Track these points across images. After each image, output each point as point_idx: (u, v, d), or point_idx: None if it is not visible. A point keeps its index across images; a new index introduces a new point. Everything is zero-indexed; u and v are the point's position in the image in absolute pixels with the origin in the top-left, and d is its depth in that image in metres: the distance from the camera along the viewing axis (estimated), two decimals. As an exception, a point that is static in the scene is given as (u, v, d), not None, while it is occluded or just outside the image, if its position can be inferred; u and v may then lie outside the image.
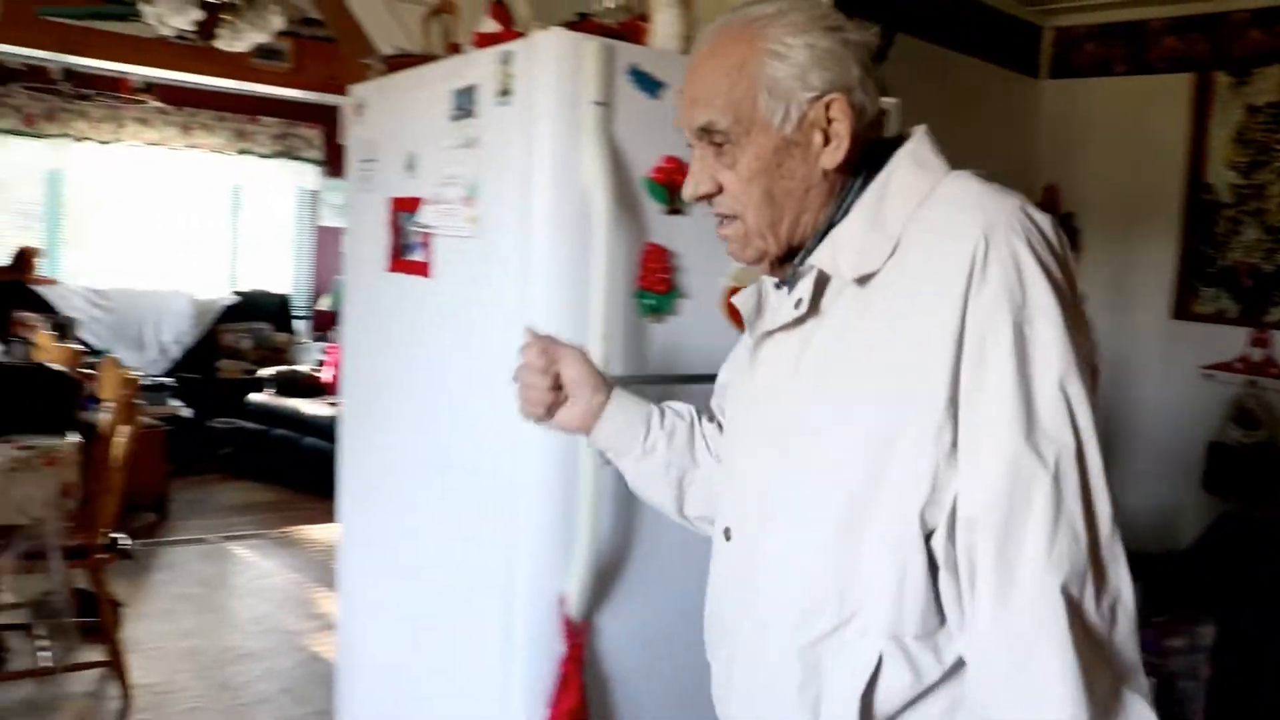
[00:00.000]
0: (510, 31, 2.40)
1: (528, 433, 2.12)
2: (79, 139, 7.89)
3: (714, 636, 1.40)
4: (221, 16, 4.56)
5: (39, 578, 3.67)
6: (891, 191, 1.20)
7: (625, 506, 2.21)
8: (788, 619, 1.22)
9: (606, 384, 1.52)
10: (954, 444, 1.11)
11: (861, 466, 1.15)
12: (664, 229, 2.21)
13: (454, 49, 2.67)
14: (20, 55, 6.88)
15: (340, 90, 6.50)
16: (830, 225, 1.24)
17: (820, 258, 1.22)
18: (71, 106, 7.77)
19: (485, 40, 2.37)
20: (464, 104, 2.26)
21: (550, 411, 1.51)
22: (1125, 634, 1.11)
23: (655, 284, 2.20)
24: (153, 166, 8.26)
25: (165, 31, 4.64)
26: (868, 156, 1.23)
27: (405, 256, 2.49)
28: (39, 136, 7.76)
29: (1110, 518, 1.11)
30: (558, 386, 1.50)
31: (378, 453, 2.70)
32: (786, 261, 1.28)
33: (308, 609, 4.82)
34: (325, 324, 8.84)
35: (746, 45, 1.20)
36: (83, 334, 7.25)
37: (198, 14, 4.47)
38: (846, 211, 1.23)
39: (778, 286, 1.31)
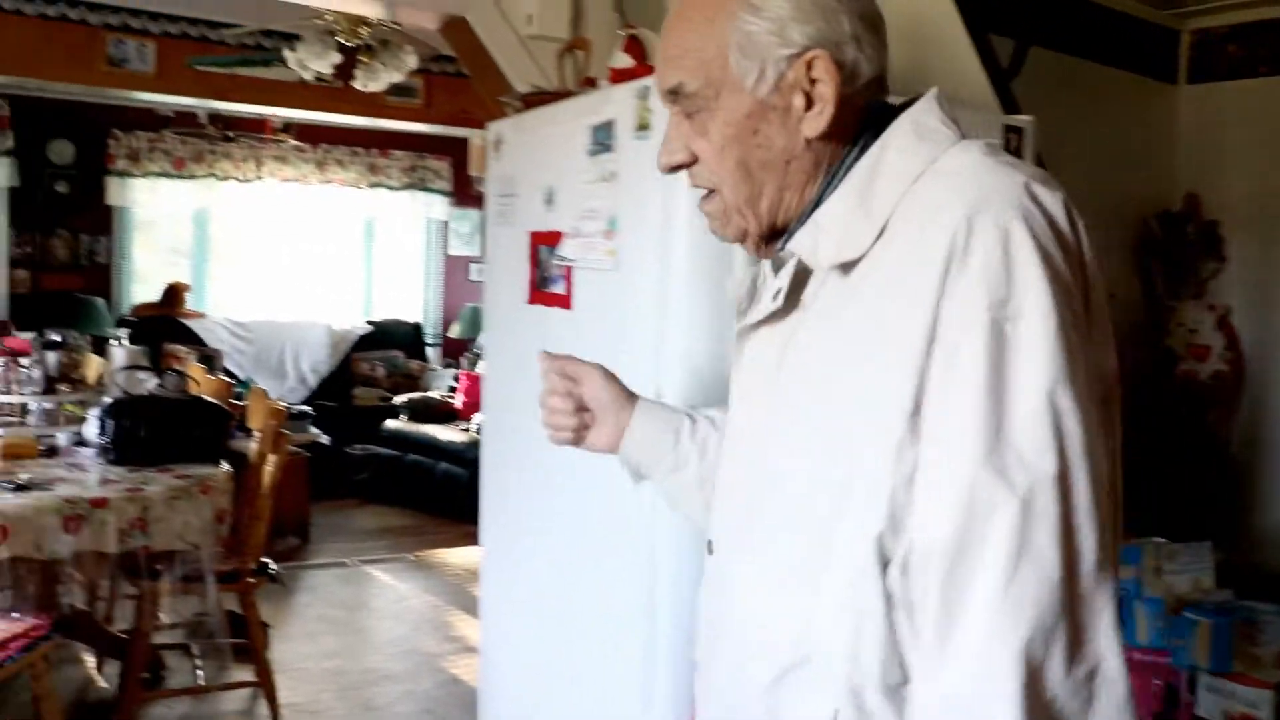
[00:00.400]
0: (644, 66, 2.44)
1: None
2: (223, 178, 8.28)
3: (700, 645, 1.28)
4: (359, 59, 4.74)
5: (194, 600, 3.84)
6: (885, 165, 1.04)
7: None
8: (752, 650, 1.09)
9: (633, 399, 1.41)
10: (916, 463, 0.95)
11: (829, 485, 1.00)
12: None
13: (588, 84, 2.73)
14: (172, 103, 7.27)
15: (468, 123, 6.73)
16: (819, 203, 1.09)
17: (800, 243, 1.08)
18: (216, 148, 8.15)
19: (620, 75, 2.42)
20: (602, 139, 2.31)
21: (580, 435, 1.42)
22: (1107, 716, 0.90)
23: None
24: (290, 202, 8.61)
25: (306, 75, 4.85)
26: (869, 124, 1.08)
27: (545, 289, 2.55)
28: (187, 178, 8.17)
29: (1096, 564, 0.90)
30: (584, 408, 1.40)
31: (518, 478, 2.76)
32: (770, 242, 1.14)
33: (445, 631, 4.93)
34: (456, 351, 9.05)
35: (717, 2, 1.06)
36: (227, 364, 7.56)
37: (337, 57, 4.67)
38: (835, 187, 1.07)
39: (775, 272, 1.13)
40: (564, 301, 2.47)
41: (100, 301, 7.77)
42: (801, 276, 1.07)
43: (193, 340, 7.58)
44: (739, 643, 1.12)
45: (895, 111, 1.09)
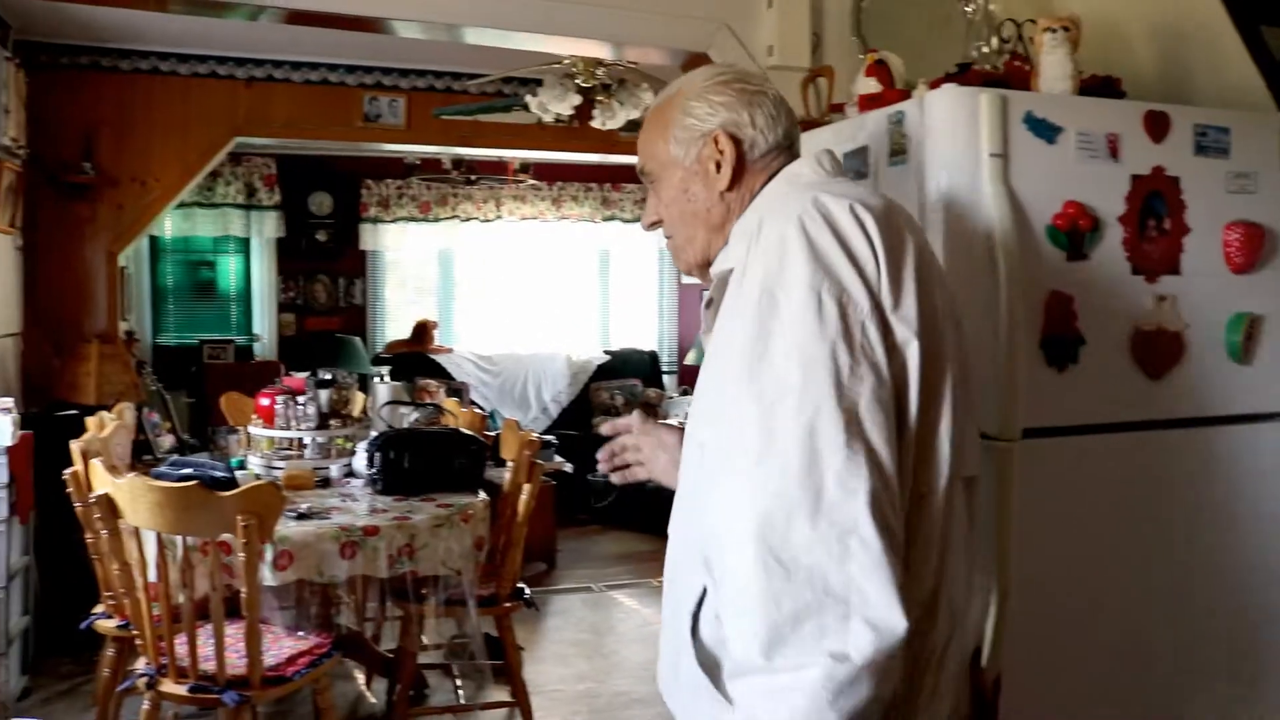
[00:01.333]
0: (893, 90, 2.43)
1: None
2: (465, 219, 8.71)
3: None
4: (597, 99, 4.89)
5: (453, 623, 4.01)
6: (757, 205, 1.47)
7: (1043, 552, 2.15)
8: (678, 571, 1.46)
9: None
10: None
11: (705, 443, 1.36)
12: (1066, 276, 2.16)
13: (835, 110, 2.73)
14: (419, 152, 7.70)
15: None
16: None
17: (715, 267, 1.50)
18: (459, 191, 8.58)
19: (869, 102, 2.41)
20: (855, 166, 2.31)
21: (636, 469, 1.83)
22: (862, 565, 1.15)
23: (1061, 331, 2.15)
24: (529, 239, 8.96)
25: (546, 118, 5.04)
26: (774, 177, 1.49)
27: (798, 316, 2.56)
28: (432, 221, 8.64)
29: (844, 459, 1.17)
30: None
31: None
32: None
33: (690, 658, 4.95)
34: (691, 378, 9.12)
35: (668, 110, 1.52)
36: (473, 396, 7.90)
37: (576, 99, 4.84)
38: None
39: None
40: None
41: (357, 340, 8.28)
42: (716, 292, 1.46)
43: (441, 374, 7.96)
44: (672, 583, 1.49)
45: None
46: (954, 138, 2.08)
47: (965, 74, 2.33)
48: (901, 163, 2.17)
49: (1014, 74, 2.36)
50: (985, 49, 2.58)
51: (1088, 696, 2.24)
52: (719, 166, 1.48)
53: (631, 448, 1.80)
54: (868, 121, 2.30)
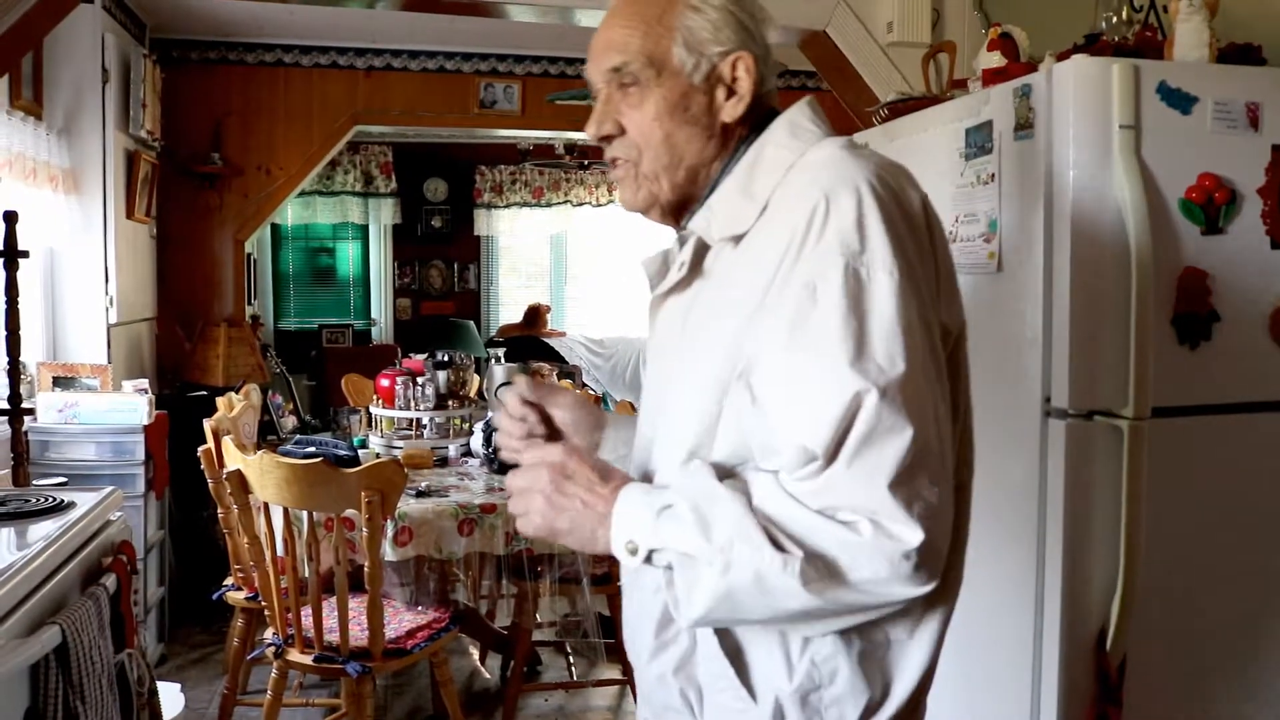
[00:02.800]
0: (1018, 64, 2.37)
1: (1060, 462, 2.08)
2: (577, 205, 8.78)
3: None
4: (710, 80, 4.87)
5: (566, 601, 4.06)
6: (764, 158, 1.24)
7: (1170, 533, 2.09)
8: None
9: (604, 420, 1.49)
10: (748, 386, 1.13)
11: (704, 415, 1.19)
12: (1201, 251, 2.09)
13: (957, 86, 2.68)
14: (532, 138, 7.78)
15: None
16: (714, 189, 1.27)
17: (697, 223, 1.26)
18: (571, 177, 8.65)
19: (994, 76, 2.36)
20: (979, 141, 2.26)
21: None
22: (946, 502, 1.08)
23: (1194, 309, 2.08)
24: (640, 223, 8.92)
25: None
26: (761, 123, 1.27)
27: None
28: (544, 206, 8.73)
29: (937, 436, 1.09)
30: (554, 434, 1.45)
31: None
32: (677, 215, 1.31)
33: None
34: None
35: (667, 2, 1.25)
36: (584, 379, 7.97)
37: (688, 81, 4.82)
38: (727, 176, 1.26)
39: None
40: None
41: (470, 324, 8.42)
42: (701, 251, 1.25)
43: (553, 357, 8.05)
44: None
45: (777, 114, 1.28)
46: (1083, 110, 2.03)
47: (1095, 45, 2.26)
48: (1028, 136, 2.12)
49: (1146, 44, 2.29)
50: (1115, 19, 2.51)
51: (1212, 678, 2.17)
52: (730, 94, 1.25)
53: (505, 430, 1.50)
54: (992, 96, 2.25)
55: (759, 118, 1.28)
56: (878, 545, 1.04)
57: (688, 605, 1.10)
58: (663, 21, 1.25)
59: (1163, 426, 2.07)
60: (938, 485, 1.07)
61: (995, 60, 2.45)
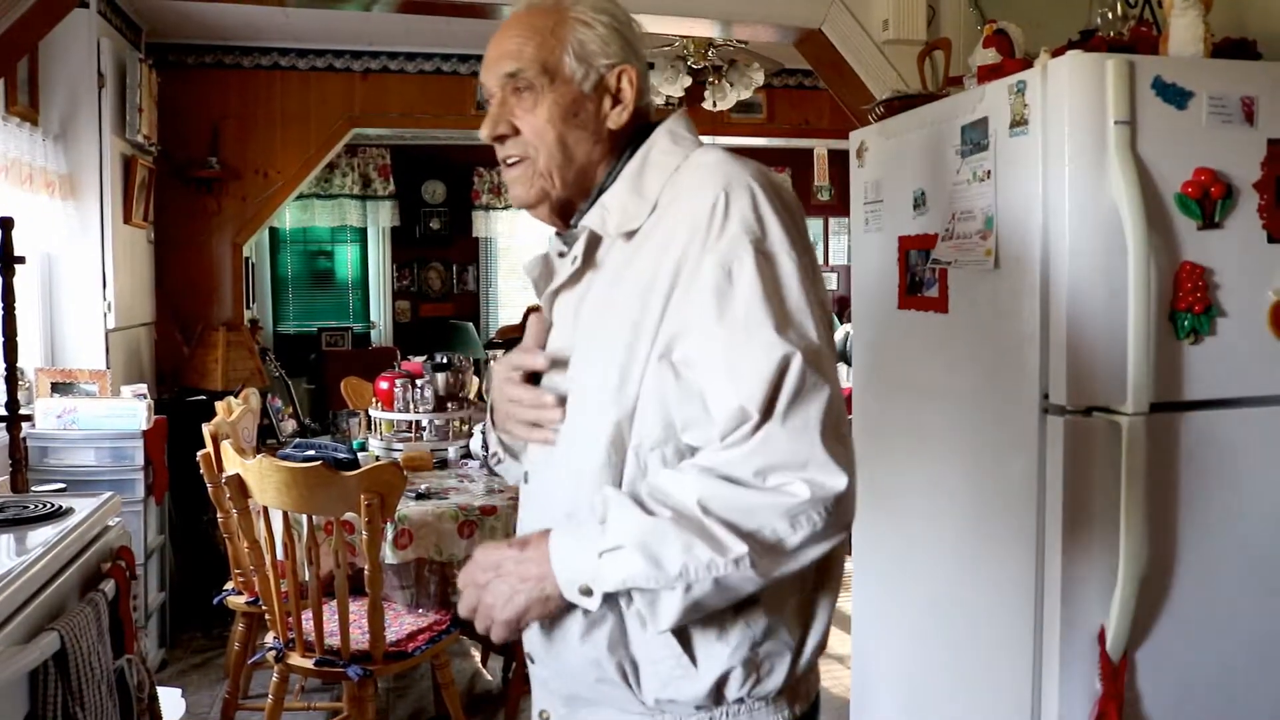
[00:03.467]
0: (1013, 61, 2.37)
1: (1058, 458, 2.08)
2: (574, 205, 8.77)
3: None
4: (708, 81, 4.88)
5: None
6: (651, 161, 1.35)
7: (1171, 530, 2.09)
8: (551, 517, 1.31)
9: None
10: (670, 364, 1.22)
11: (618, 396, 1.25)
12: (1199, 246, 2.09)
13: (953, 83, 2.68)
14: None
15: (810, 134, 6.74)
16: (601, 191, 1.36)
17: (591, 219, 1.34)
18: (568, 176, 8.64)
19: (989, 73, 2.36)
20: (975, 138, 2.26)
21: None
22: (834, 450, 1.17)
23: (1192, 304, 2.08)
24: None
25: (657, 101, 5.04)
26: (640, 132, 1.38)
27: (917, 293, 2.52)
28: (542, 206, 8.72)
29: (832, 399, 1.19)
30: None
31: (890, 483, 2.74)
32: (562, 213, 1.40)
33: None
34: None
35: (557, 14, 1.36)
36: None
37: (687, 81, 4.83)
38: (615, 179, 1.36)
39: (560, 256, 1.41)
40: (939, 305, 2.43)
41: (470, 326, 8.42)
42: (591, 247, 1.34)
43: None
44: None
45: (650, 127, 1.39)
46: (1079, 106, 2.03)
47: (1090, 41, 2.26)
48: (1023, 133, 2.12)
49: (1141, 39, 2.29)
50: (1110, 15, 2.51)
51: (1215, 674, 2.17)
52: (615, 103, 1.36)
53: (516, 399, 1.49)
54: (987, 93, 2.25)
55: (639, 126, 1.39)
56: (812, 502, 1.15)
57: (655, 621, 1.19)
58: (555, 34, 1.36)
59: (1162, 422, 2.07)
60: (848, 440, 1.21)
61: (990, 57, 2.44)
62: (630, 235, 1.31)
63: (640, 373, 1.25)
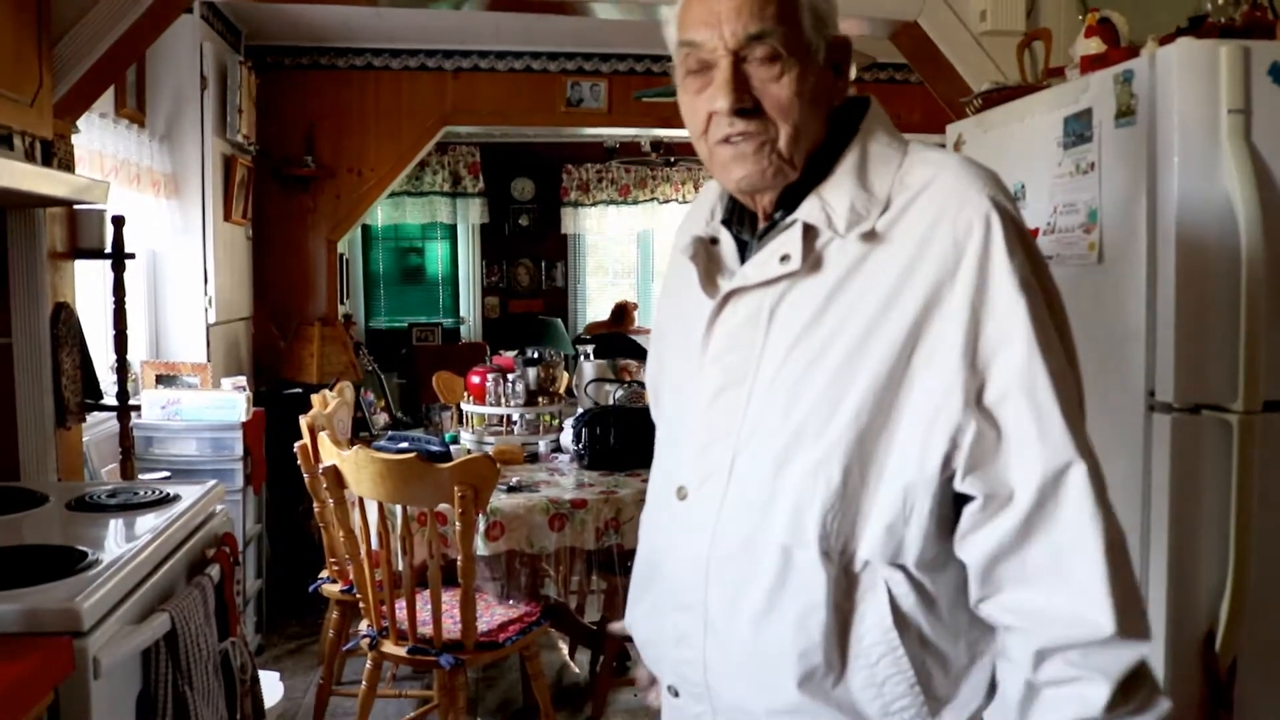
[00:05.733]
0: (1118, 50, 2.31)
1: (1165, 458, 2.02)
2: (663, 201, 8.79)
3: (660, 581, 1.36)
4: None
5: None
6: (872, 154, 1.22)
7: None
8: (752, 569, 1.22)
9: None
10: (976, 394, 1.13)
11: (869, 405, 1.15)
12: (1316, 238, 2.01)
13: (1053, 74, 2.62)
14: (619, 135, 7.81)
15: (901, 129, 6.65)
16: (811, 180, 1.23)
17: (809, 213, 1.20)
18: (658, 174, 8.66)
19: (1092, 63, 2.31)
20: (1078, 129, 2.21)
21: None
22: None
23: (1309, 299, 2.01)
24: (722, 220, 8.95)
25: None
26: (839, 117, 1.25)
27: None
28: (631, 204, 8.76)
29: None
30: None
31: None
32: (781, 198, 1.25)
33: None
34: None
35: None
36: (671, 378, 7.97)
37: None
38: (829, 170, 1.23)
39: (714, 242, 1.33)
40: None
41: (558, 322, 8.48)
42: (808, 245, 1.20)
43: (640, 354, 8.06)
44: (747, 556, 1.23)
45: (850, 106, 1.26)
46: (1189, 95, 1.97)
47: (1200, 27, 2.19)
48: (1129, 124, 2.07)
49: (1255, 24, 2.21)
50: (1221, 0, 2.43)
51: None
52: (836, 77, 1.24)
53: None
54: (1091, 83, 2.20)
55: (842, 107, 1.27)
56: None
57: None
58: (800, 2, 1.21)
59: (1275, 420, 2.00)
60: None
61: (1094, 47, 2.39)
62: (867, 236, 1.18)
63: (883, 384, 1.15)
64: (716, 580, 1.25)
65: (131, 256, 3.18)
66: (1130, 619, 1.11)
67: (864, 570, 1.18)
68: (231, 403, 4.04)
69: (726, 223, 1.33)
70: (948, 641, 1.20)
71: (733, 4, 1.18)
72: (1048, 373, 1.12)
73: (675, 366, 1.42)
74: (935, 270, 1.14)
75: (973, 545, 1.16)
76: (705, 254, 1.32)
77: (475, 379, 4.05)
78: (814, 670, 1.19)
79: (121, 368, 3.21)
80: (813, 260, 1.20)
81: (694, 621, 1.28)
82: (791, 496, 1.18)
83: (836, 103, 1.25)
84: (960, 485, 1.15)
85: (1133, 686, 1.13)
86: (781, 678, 1.21)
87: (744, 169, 1.22)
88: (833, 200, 1.20)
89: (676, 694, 1.33)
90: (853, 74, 1.32)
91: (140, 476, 3.37)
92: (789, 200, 1.24)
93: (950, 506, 1.17)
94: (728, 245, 1.32)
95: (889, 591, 1.17)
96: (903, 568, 1.17)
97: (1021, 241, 1.15)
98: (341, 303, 6.42)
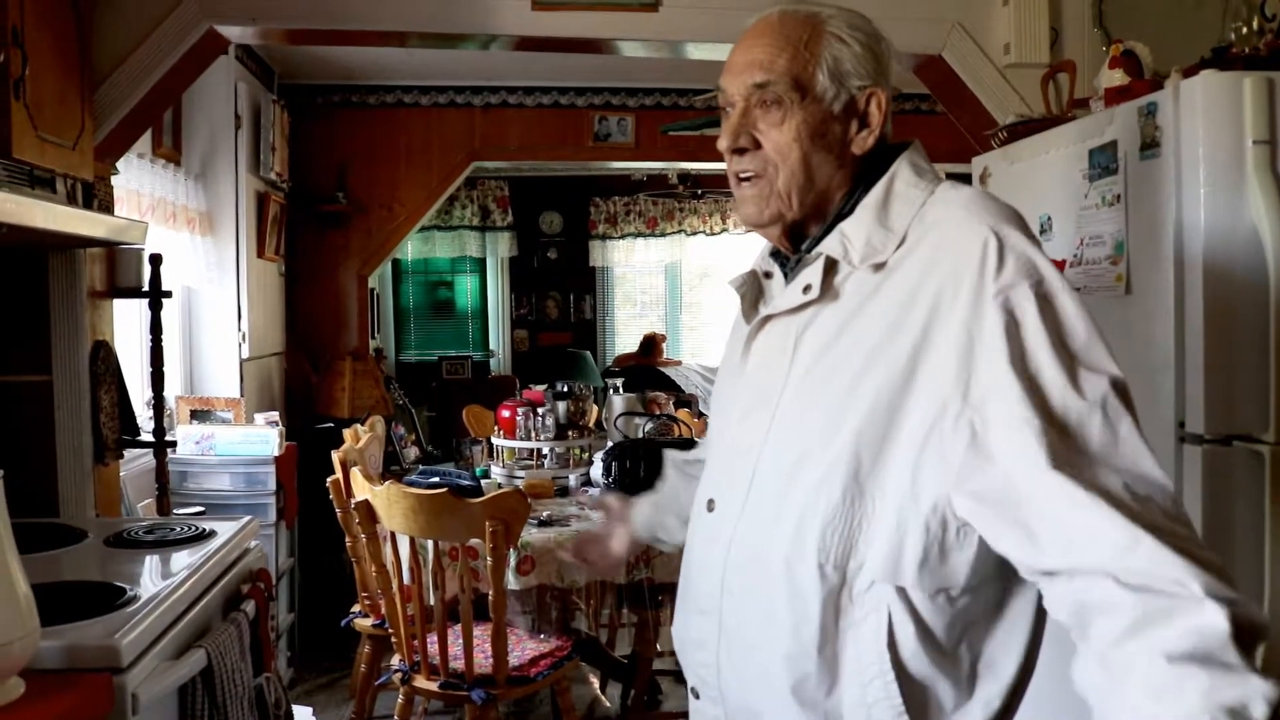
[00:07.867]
0: (1142, 81, 2.32)
1: (1196, 490, 2.01)
2: (691, 234, 8.83)
3: (697, 590, 1.40)
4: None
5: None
6: (896, 193, 1.29)
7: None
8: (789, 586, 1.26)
9: (635, 529, 1.88)
10: (969, 426, 1.15)
11: (869, 426, 1.20)
12: (1345, 269, 2.00)
13: (1078, 106, 2.63)
14: (646, 169, 7.86)
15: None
16: (838, 218, 1.31)
17: (830, 246, 1.29)
18: (685, 206, 8.71)
19: (1116, 94, 2.32)
20: (1103, 161, 2.22)
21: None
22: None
23: (1338, 329, 2.00)
24: (754, 250, 8.95)
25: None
26: (874, 163, 1.32)
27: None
28: (658, 236, 8.80)
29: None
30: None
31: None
32: (789, 235, 1.35)
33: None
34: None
35: (813, 27, 1.30)
36: (702, 409, 7.97)
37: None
38: (853, 208, 1.30)
39: (767, 277, 1.42)
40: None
41: (587, 354, 8.51)
42: (827, 276, 1.29)
43: (669, 387, 8.07)
44: (761, 566, 1.28)
45: (891, 151, 1.33)
46: (1214, 126, 1.98)
47: (1224, 58, 2.20)
48: (1154, 156, 2.07)
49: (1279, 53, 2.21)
50: (1245, 30, 2.43)
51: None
52: (862, 126, 1.31)
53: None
54: (1116, 115, 2.20)
55: (877, 152, 1.33)
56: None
57: None
58: (810, 48, 1.29)
59: (1307, 452, 1.99)
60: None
61: (1118, 78, 2.40)
62: (878, 267, 1.26)
63: (884, 405, 1.20)
64: (730, 588, 1.32)
65: (168, 295, 3.23)
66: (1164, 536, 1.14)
67: (869, 590, 1.22)
68: (264, 438, 4.08)
69: (775, 254, 1.42)
70: (942, 681, 1.22)
71: (749, 57, 1.31)
72: (1022, 389, 1.14)
73: (721, 388, 1.52)
74: (934, 296, 1.20)
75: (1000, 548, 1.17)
76: (756, 285, 1.43)
77: (505, 413, 4.07)
78: (805, 678, 1.25)
79: (159, 404, 3.25)
80: (833, 290, 1.29)
81: (710, 626, 1.35)
82: (796, 511, 1.25)
83: (862, 150, 1.31)
84: (955, 507, 1.17)
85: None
86: (777, 682, 1.27)
87: (744, 209, 1.36)
88: (852, 235, 1.29)
89: (697, 696, 1.41)
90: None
91: (175, 511, 3.40)
92: (821, 236, 1.33)
93: (956, 536, 1.19)
94: (778, 277, 1.41)
95: (889, 616, 1.20)
96: (906, 596, 1.20)
97: (1019, 263, 1.18)
98: (372, 337, 6.47)
